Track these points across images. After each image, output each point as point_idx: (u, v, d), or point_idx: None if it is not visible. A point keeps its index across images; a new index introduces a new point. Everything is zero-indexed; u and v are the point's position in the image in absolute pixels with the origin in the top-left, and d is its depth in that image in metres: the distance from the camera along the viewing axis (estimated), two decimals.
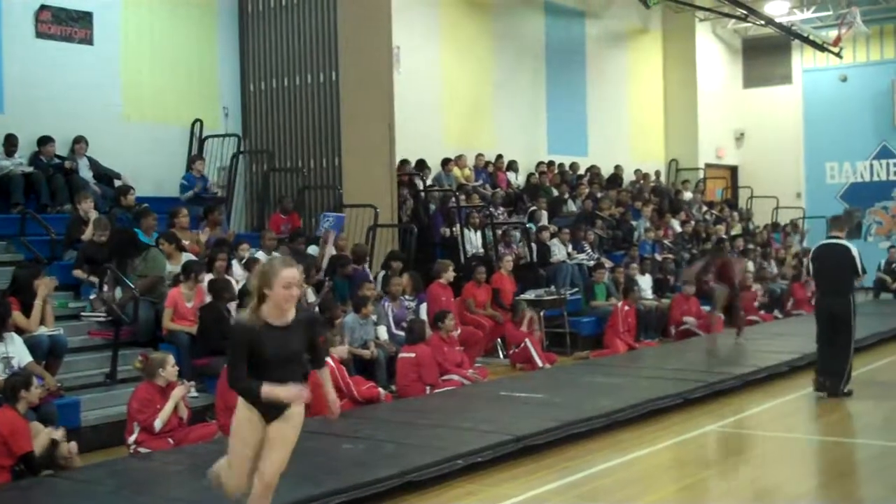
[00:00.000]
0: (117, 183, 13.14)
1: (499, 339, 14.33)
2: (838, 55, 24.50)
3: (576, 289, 16.10)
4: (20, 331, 8.86)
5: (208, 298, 10.69)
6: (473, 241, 16.06)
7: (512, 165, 19.81)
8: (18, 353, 8.50)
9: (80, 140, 13.07)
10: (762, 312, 18.18)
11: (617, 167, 22.59)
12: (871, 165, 25.89)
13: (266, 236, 12.84)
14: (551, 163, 20.76)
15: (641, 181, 22.58)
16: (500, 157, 19.57)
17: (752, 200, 25.36)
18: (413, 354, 11.05)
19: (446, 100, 18.98)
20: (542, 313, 14.40)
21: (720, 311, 14.78)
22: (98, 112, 13.56)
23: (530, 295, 14.75)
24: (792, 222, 24.45)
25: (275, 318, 5.39)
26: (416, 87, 17.56)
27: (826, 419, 10.36)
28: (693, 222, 21.44)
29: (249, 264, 11.62)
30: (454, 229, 16.00)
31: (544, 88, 21.50)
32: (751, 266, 19.26)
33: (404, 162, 16.54)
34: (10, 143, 12.33)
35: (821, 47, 24.35)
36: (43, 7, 13.08)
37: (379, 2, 14.86)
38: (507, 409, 9.54)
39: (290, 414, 5.55)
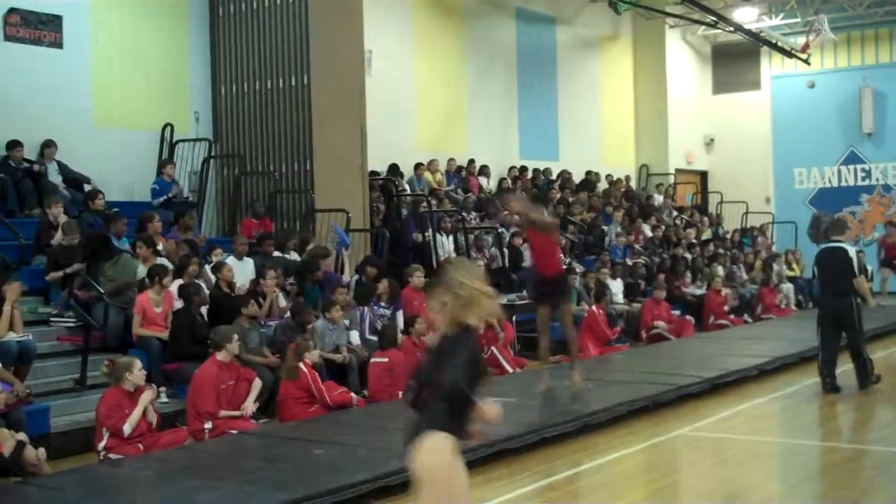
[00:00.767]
0: (87, 187, 13.05)
1: None
2: (806, 62, 24.73)
3: None
4: None
5: (178, 304, 10.64)
6: (445, 245, 16.06)
7: (484, 170, 19.84)
8: None
9: (49, 144, 12.96)
10: (732, 316, 18.30)
11: (588, 172, 22.69)
12: (839, 171, 26.14)
13: (238, 241, 12.79)
14: (523, 169, 20.81)
15: (611, 186, 22.70)
16: (472, 161, 19.60)
17: (721, 205, 25.54)
18: (385, 359, 11.02)
19: (418, 104, 18.98)
20: (513, 318, 14.41)
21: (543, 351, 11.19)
22: (68, 116, 13.46)
23: (502, 299, 14.76)
24: (760, 227, 24.64)
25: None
26: (388, 92, 17.55)
27: (796, 422, 10.45)
28: (664, 227, 21.57)
29: (218, 268, 11.59)
30: (426, 234, 15.99)
31: (516, 93, 21.55)
32: (721, 271, 19.40)
33: (375, 173, 16.50)
34: None
35: (789, 54, 24.57)
36: (11, 10, 12.96)
37: (351, 6, 14.85)
38: None
39: None
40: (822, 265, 11.46)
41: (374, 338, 11.90)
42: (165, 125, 14.67)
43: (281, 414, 9.96)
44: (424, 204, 16.28)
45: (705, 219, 23.99)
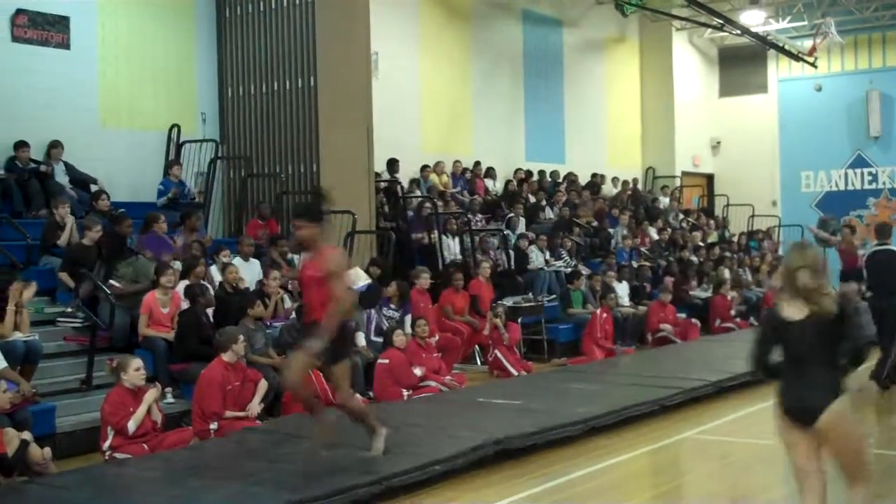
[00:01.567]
0: (94, 188, 13.06)
1: (476, 346, 14.33)
2: (813, 65, 24.71)
3: (553, 296, 16.13)
4: None
5: (185, 304, 10.65)
6: (451, 247, 16.06)
7: (490, 172, 19.84)
8: None
9: (56, 145, 12.99)
10: (738, 320, 18.26)
11: (594, 175, 22.67)
12: (846, 174, 26.11)
13: (244, 242, 12.80)
14: (529, 171, 20.81)
15: (618, 189, 22.71)
16: (477, 163, 19.62)
17: (727, 208, 25.50)
18: (387, 360, 11.06)
19: (424, 106, 18.99)
20: (519, 320, 14.41)
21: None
22: (74, 116, 13.48)
23: (508, 302, 14.77)
24: (767, 230, 24.60)
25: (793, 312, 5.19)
26: (395, 94, 17.56)
27: None
28: (670, 230, 21.55)
29: (226, 270, 11.58)
30: (432, 236, 15.99)
31: (522, 96, 21.56)
32: (727, 274, 19.37)
33: (381, 175, 16.52)
34: None
35: (796, 57, 24.55)
36: (19, 11, 13.00)
37: (357, 8, 14.84)
38: (485, 416, 9.54)
39: None
40: (872, 266, 12.22)
41: (380, 339, 11.90)
42: (172, 126, 14.70)
43: (286, 415, 9.95)
44: (429, 205, 16.28)
45: (711, 222, 23.97)
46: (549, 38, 22.50)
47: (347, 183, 14.46)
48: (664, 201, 23.52)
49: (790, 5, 24.27)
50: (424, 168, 18.06)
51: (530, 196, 19.79)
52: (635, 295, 17.31)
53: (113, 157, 13.86)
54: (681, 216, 23.37)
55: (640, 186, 24.36)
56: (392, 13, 17.85)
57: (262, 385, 9.65)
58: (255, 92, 15.13)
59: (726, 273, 19.38)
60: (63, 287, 11.05)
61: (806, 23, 24.63)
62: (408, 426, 9.01)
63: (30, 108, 12.93)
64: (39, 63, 13.15)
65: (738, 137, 26.87)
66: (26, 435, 7.67)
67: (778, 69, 26.71)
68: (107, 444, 8.33)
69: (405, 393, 10.95)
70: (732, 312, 18.25)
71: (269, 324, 11.37)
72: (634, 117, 25.49)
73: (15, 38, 12.96)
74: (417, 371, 11.25)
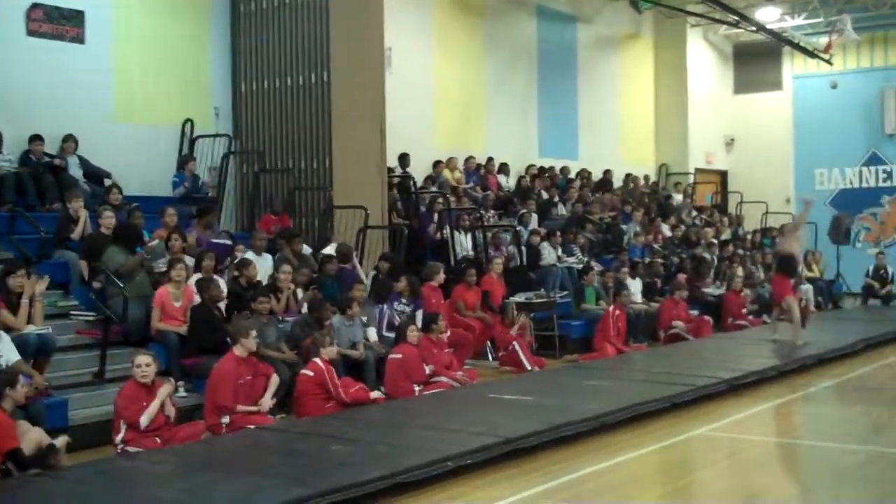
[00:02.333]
0: (107, 182, 13.11)
1: (488, 342, 14.33)
2: (829, 62, 24.62)
3: (565, 292, 16.12)
4: (8, 329, 8.84)
5: (197, 299, 10.69)
6: (463, 243, 16.06)
7: (503, 168, 19.84)
8: (6, 351, 8.47)
9: (69, 139, 13.03)
10: (751, 317, 18.21)
11: (607, 171, 22.63)
12: (861, 172, 26.01)
13: (256, 237, 12.84)
14: (542, 168, 20.79)
15: (632, 185, 22.67)
16: (490, 159, 19.61)
17: (741, 206, 25.43)
18: (400, 355, 11.05)
19: (438, 101, 18.99)
20: (531, 316, 14.41)
21: None
22: (88, 111, 13.55)
23: (520, 298, 14.76)
24: (780, 228, 24.46)
25: None
26: (408, 89, 17.57)
27: (813, 424, 10.41)
28: (683, 227, 21.50)
29: (242, 265, 11.61)
30: (444, 231, 16.00)
31: (536, 92, 21.54)
32: (740, 271, 19.32)
33: (393, 170, 16.52)
34: None
35: (811, 54, 24.46)
36: (34, 5, 13.05)
37: (371, 3, 14.84)
38: (496, 412, 9.55)
39: None
40: None
41: (392, 335, 11.91)
42: (186, 120, 14.75)
43: (298, 409, 9.98)
44: (442, 201, 16.28)
45: (725, 219, 23.90)
46: (564, 34, 22.46)
47: (360, 178, 14.50)
48: (677, 198, 23.47)
49: (806, 2, 24.18)
50: (437, 164, 18.07)
51: (543, 192, 19.77)
52: (648, 292, 17.28)
53: (126, 151, 13.91)
54: (694, 213, 23.32)
55: (652, 183, 24.30)
56: (406, 8, 17.86)
57: (274, 380, 9.67)
58: (269, 87, 15.16)
59: (739, 270, 19.32)
60: (77, 280, 11.10)
61: (822, 19, 24.52)
62: (420, 422, 9.03)
63: (44, 102, 13.00)
64: (54, 57, 13.20)
65: (753, 134, 26.80)
66: (59, 441, 7.71)
67: (793, 66, 26.63)
68: (119, 438, 8.37)
69: (416, 388, 10.96)
70: (745, 310, 18.20)
71: (281, 318, 11.40)
72: (648, 114, 25.43)
73: (30, 33, 13.02)
74: (427, 368, 11.25)
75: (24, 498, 6.99)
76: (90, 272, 10.97)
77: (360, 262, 13.82)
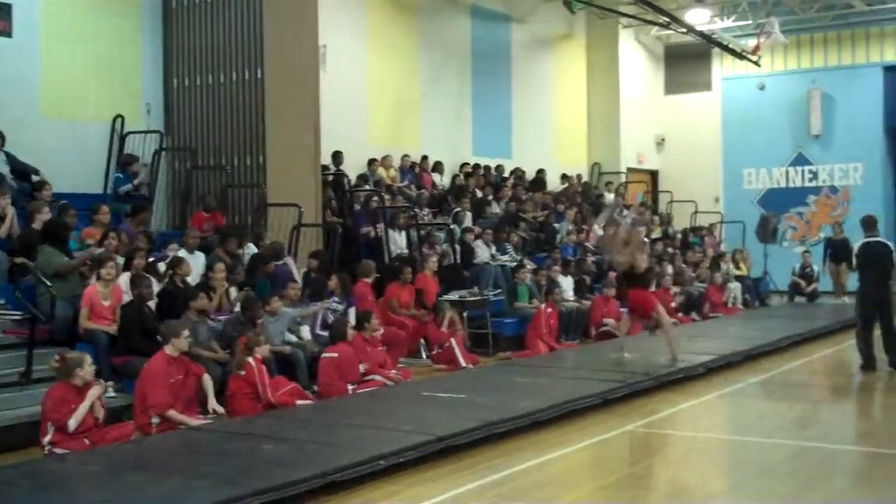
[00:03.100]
0: (35, 179, 12.87)
1: (422, 340, 14.36)
2: (757, 64, 25.06)
3: (499, 290, 16.22)
4: None
5: (126, 298, 10.55)
6: (398, 241, 16.07)
7: (437, 167, 19.88)
8: None
9: None
10: (680, 315, 18.48)
11: (540, 170, 22.81)
12: (787, 172, 26.54)
13: (189, 234, 12.71)
14: (476, 166, 20.88)
15: (569, 184, 22.88)
16: (425, 157, 19.65)
17: (671, 205, 25.81)
18: (336, 354, 11.02)
19: (372, 100, 18.98)
20: (465, 314, 14.47)
21: None
22: (16, 106, 13.30)
23: (454, 296, 14.83)
24: (709, 227, 24.91)
25: None
26: (342, 87, 17.54)
27: (741, 419, 10.61)
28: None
29: (175, 263, 11.47)
30: (378, 229, 15.99)
31: (470, 91, 21.63)
32: (670, 269, 19.59)
33: (327, 167, 16.47)
34: None
35: (740, 56, 24.88)
36: None
37: (305, 0, 14.79)
38: (429, 410, 9.58)
39: None
40: (864, 258, 12.62)
41: (325, 333, 11.88)
42: (116, 117, 14.54)
43: (230, 409, 9.90)
44: (376, 199, 16.27)
45: (656, 218, 24.21)
46: (498, 34, 22.58)
47: (294, 176, 14.44)
48: (609, 197, 23.72)
49: (735, 4, 24.63)
50: (372, 161, 18.05)
51: (477, 191, 19.86)
52: (579, 290, 17.46)
53: (55, 148, 13.67)
54: (625, 212, 23.56)
55: (584, 182, 24.52)
56: (340, 6, 17.81)
57: (208, 382, 9.59)
58: (201, 83, 15.01)
59: (669, 269, 19.60)
60: (3, 278, 10.88)
61: (750, 22, 25.01)
62: (353, 420, 9.03)
63: None
64: None
65: (683, 135, 27.21)
66: None
67: (722, 67, 27.08)
68: (47, 440, 8.23)
69: (350, 387, 10.95)
70: (674, 307, 18.45)
71: (213, 317, 11.30)
72: (581, 113, 25.68)
73: None
74: (361, 367, 11.25)
75: None
76: (17, 270, 10.74)
77: (295, 260, 13.76)
